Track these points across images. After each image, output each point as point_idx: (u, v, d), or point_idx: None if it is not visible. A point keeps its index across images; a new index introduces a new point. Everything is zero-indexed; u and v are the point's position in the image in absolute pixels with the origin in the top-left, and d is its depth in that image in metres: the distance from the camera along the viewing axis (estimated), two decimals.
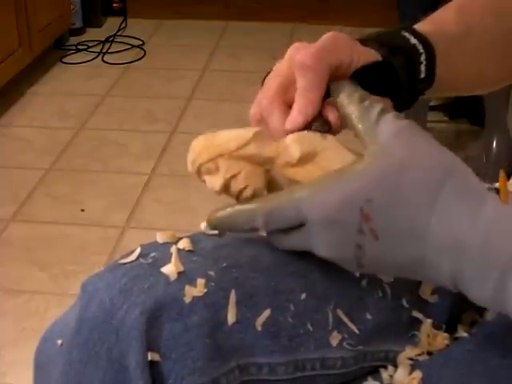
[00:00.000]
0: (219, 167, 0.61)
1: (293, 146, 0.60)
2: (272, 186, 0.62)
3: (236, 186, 0.60)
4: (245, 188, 0.60)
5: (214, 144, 0.61)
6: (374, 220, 0.55)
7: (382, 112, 0.58)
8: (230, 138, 0.61)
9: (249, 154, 0.60)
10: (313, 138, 0.61)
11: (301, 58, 0.61)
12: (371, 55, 0.65)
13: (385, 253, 0.57)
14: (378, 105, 0.59)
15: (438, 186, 0.55)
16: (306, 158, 0.60)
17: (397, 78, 0.66)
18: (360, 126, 0.59)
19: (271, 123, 0.62)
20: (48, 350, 0.69)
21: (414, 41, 0.67)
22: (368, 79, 0.64)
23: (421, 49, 0.67)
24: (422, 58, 0.67)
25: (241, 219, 0.61)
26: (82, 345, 0.63)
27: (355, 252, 0.57)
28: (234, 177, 0.60)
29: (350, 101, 0.60)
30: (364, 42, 0.66)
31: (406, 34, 0.68)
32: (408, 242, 0.56)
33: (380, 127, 0.58)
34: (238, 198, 0.61)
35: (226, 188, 0.61)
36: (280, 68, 0.64)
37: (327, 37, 0.64)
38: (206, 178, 0.62)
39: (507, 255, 0.53)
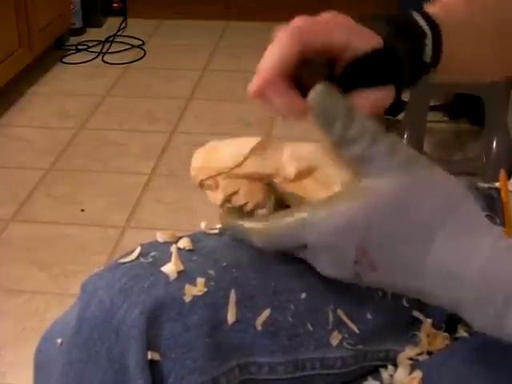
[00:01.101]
0: (219, 185, 0.62)
1: (289, 163, 0.60)
2: (277, 196, 0.62)
3: (237, 201, 0.61)
4: (246, 203, 0.61)
5: (214, 160, 0.62)
6: (370, 254, 0.55)
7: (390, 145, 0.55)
8: (227, 155, 0.62)
9: (247, 173, 0.61)
10: (311, 152, 0.61)
11: (280, 32, 0.59)
12: (374, 39, 0.62)
13: (383, 281, 0.57)
14: (382, 141, 0.55)
15: (436, 228, 0.54)
16: (303, 174, 0.60)
17: (399, 65, 0.64)
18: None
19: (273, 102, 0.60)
20: (48, 350, 0.69)
21: (422, 22, 0.65)
22: (369, 67, 0.62)
23: (427, 30, 0.65)
24: (428, 40, 0.65)
25: (246, 237, 0.62)
26: (82, 344, 0.63)
27: (355, 277, 0.58)
28: (234, 194, 0.61)
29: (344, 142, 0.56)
30: (372, 18, 0.64)
31: (415, 15, 0.66)
32: (405, 276, 0.56)
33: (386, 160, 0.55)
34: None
35: (227, 202, 0.62)
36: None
37: (324, 15, 0.62)
38: (208, 192, 0.64)
39: (503, 291, 0.53)
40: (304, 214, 0.57)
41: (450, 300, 0.56)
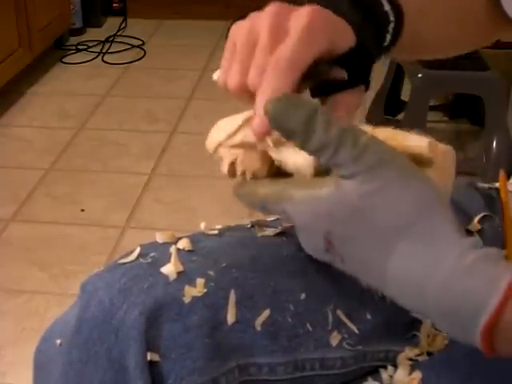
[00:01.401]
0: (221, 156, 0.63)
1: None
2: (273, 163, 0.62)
3: (238, 170, 0.62)
4: (245, 171, 0.61)
5: (215, 135, 0.63)
6: (336, 247, 0.54)
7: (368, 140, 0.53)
8: (224, 128, 0.63)
9: (239, 142, 0.61)
10: None
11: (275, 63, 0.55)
12: (350, 36, 0.59)
13: (354, 273, 0.55)
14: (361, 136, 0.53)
15: (398, 234, 0.51)
16: (280, 141, 0.58)
17: (371, 63, 0.62)
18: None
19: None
20: (48, 350, 0.69)
21: (387, 7, 0.63)
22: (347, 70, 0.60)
23: (392, 17, 0.63)
24: (391, 26, 0.64)
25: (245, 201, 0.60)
26: (81, 345, 0.63)
27: (330, 261, 0.56)
28: (233, 163, 0.62)
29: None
30: (341, 3, 0.61)
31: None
32: (368, 275, 0.54)
33: (365, 155, 0.52)
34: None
35: (232, 172, 0.62)
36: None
37: (309, 10, 0.57)
38: (221, 164, 0.64)
39: (465, 309, 0.50)
40: (288, 194, 0.55)
41: (415, 309, 0.54)
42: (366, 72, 0.62)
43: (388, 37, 0.64)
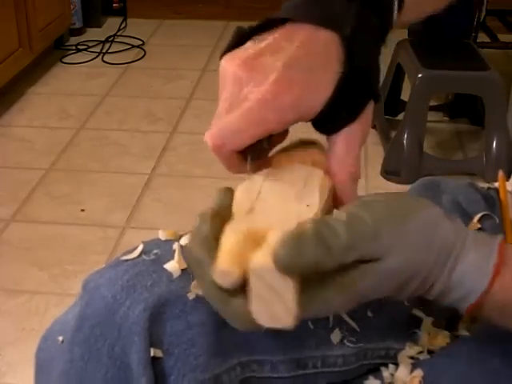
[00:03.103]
0: None
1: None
2: None
3: None
4: None
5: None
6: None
7: None
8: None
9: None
10: (253, 186, 0.55)
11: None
12: (323, 93, 0.54)
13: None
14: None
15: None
16: (249, 210, 0.54)
17: (369, 79, 0.57)
18: None
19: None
20: (49, 348, 0.69)
21: None
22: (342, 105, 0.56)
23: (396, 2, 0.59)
24: (395, 9, 0.59)
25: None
26: (83, 342, 0.63)
27: None
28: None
29: None
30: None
31: None
32: None
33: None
34: None
35: None
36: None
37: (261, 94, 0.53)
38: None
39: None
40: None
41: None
42: (368, 92, 0.57)
43: (394, 17, 0.60)
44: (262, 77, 0.54)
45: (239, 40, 0.58)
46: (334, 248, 0.48)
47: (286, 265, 0.47)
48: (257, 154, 0.56)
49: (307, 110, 0.55)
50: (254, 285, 0.49)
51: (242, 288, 0.49)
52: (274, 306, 0.49)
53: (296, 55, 0.54)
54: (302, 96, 0.54)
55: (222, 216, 0.52)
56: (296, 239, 0.48)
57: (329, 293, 0.50)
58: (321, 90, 0.55)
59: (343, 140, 0.57)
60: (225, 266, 0.49)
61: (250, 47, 0.57)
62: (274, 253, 0.48)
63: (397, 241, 0.51)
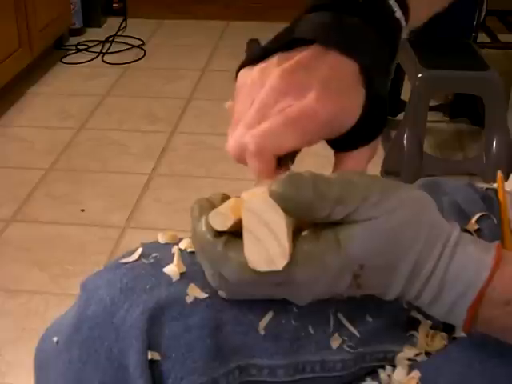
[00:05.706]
0: None
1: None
2: None
3: None
4: None
5: None
6: (361, 277, 0.55)
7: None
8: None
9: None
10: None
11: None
12: (353, 115, 0.58)
13: (368, 292, 0.58)
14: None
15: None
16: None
17: (385, 108, 0.61)
18: None
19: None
20: (47, 349, 0.69)
21: (398, 14, 0.62)
22: (360, 133, 0.59)
23: (403, 21, 0.62)
24: (404, 32, 0.63)
25: None
26: (81, 343, 0.63)
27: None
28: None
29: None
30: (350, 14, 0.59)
31: (392, 4, 0.62)
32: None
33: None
34: None
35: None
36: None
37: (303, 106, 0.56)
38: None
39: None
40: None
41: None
42: (385, 118, 0.60)
43: (401, 38, 0.63)
44: (299, 91, 0.57)
45: (263, 54, 0.60)
46: (326, 197, 0.51)
47: (281, 195, 0.51)
48: (286, 162, 0.59)
49: (338, 128, 0.58)
50: (248, 221, 0.51)
51: (238, 245, 0.52)
52: (267, 244, 0.50)
53: (329, 76, 0.57)
54: (338, 114, 0.57)
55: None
56: (294, 179, 0.51)
57: (323, 249, 0.52)
58: (353, 111, 0.58)
59: (352, 159, 0.60)
60: (221, 209, 0.53)
61: (279, 62, 0.59)
62: (270, 188, 0.51)
63: (386, 204, 0.53)
